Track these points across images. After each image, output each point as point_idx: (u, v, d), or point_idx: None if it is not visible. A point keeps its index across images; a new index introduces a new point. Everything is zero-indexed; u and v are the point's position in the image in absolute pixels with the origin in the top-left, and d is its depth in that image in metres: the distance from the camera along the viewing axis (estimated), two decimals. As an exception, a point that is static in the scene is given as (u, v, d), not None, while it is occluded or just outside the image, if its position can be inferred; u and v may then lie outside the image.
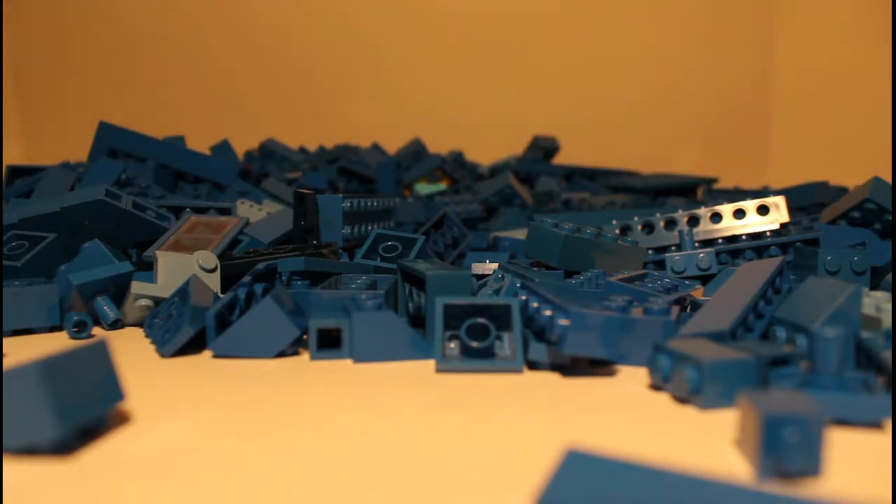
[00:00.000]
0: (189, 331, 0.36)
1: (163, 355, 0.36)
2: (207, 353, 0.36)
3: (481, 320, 0.34)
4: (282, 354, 0.36)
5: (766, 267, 0.38)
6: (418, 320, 0.37)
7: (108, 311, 0.40)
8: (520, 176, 0.82)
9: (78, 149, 0.76)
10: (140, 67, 0.94)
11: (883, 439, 0.26)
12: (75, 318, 0.38)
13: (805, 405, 0.24)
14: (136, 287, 0.40)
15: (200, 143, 0.76)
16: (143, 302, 0.40)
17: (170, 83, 0.94)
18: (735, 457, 0.25)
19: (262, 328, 0.35)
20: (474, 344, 0.34)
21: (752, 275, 0.37)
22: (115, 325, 0.40)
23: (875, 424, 0.27)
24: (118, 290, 0.41)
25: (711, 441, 0.26)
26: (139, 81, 0.94)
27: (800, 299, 0.35)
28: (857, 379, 0.28)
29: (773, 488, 0.19)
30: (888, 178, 0.77)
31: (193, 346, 0.36)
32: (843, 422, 0.27)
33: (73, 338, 0.39)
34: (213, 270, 0.41)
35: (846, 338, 0.28)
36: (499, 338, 0.35)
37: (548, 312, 0.33)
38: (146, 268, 0.44)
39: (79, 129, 0.94)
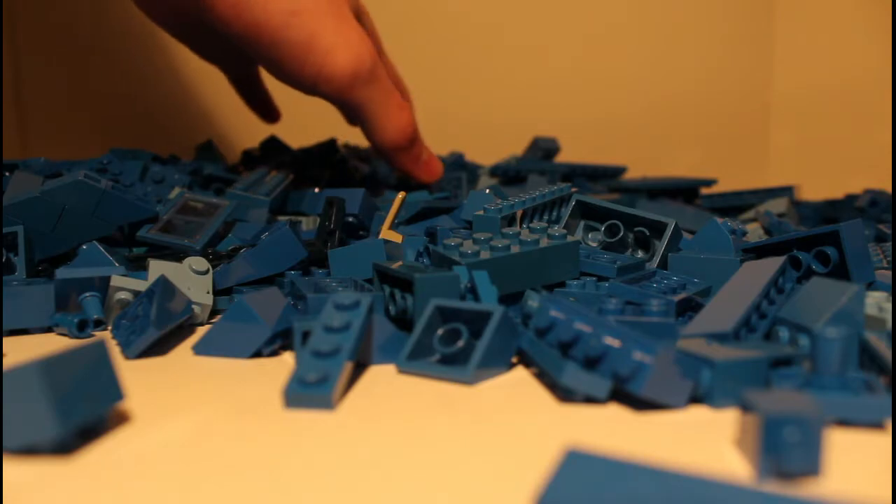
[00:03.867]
0: (154, 332, 0.35)
1: (127, 357, 0.35)
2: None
3: (457, 326, 0.33)
4: (258, 355, 0.36)
5: (768, 266, 0.37)
6: (402, 323, 0.37)
7: (92, 310, 0.39)
8: (521, 176, 0.82)
9: (78, 148, 0.76)
10: (139, 64, 0.94)
11: (883, 439, 0.26)
12: (76, 319, 0.38)
13: (805, 405, 0.24)
14: (116, 280, 0.40)
15: (197, 141, 0.76)
16: (122, 295, 0.40)
17: (170, 79, 0.94)
18: (735, 457, 0.25)
19: (236, 328, 0.35)
20: (443, 349, 0.33)
21: (755, 274, 0.37)
22: (98, 325, 0.39)
23: (877, 425, 0.27)
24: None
25: (711, 441, 0.26)
26: (138, 78, 0.94)
27: (803, 299, 0.34)
28: (859, 379, 0.28)
29: (773, 488, 0.19)
30: (888, 179, 0.77)
31: (183, 345, 0.36)
32: (844, 422, 0.27)
33: (73, 337, 0.38)
34: (205, 273, 0.41)
35: (848, 338, 0.28)
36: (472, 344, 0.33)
37: (611, 341, 0.29)
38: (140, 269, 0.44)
39: (78, 129, 0.94)
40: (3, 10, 0.86)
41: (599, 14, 1.05)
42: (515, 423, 0.28)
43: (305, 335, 0.33)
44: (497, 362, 0.33)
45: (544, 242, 0.40)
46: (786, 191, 0.76)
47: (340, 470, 0.24)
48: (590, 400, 0.30)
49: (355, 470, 0.24)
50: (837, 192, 0.80)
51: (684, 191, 0.79)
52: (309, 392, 0.29)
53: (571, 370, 0.29)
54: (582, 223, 0.48)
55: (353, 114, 0.57)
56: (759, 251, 0.44)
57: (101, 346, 0.26)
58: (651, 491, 0.19)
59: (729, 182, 0.82)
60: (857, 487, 0.23)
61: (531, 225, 0.41)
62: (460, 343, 0.33)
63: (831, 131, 1.05)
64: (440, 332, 0.34)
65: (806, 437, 0.23)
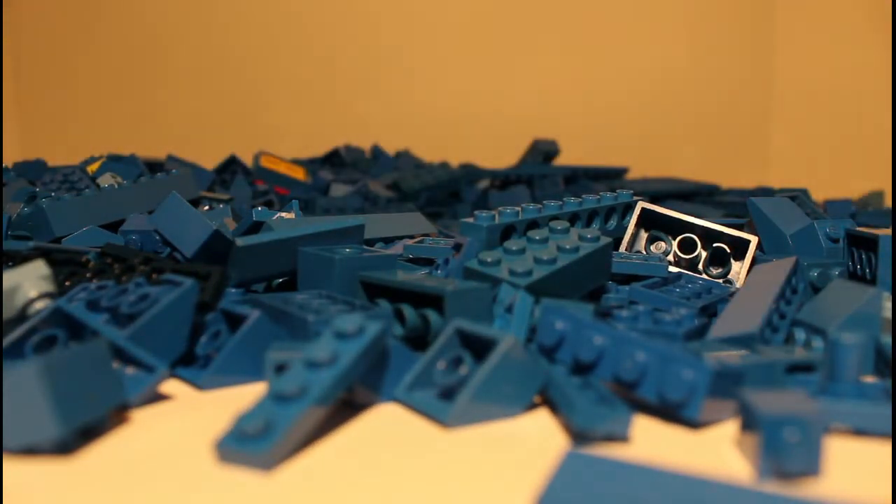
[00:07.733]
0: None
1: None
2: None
3: (459, 353, 0.29)
4: None
5: (781, 267, 0.37)
6: (413, 341, 0.32)
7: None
8: (521, 179, 0.82)
9: (77, 148, 0.76)
10: (140, 67, 0.94)
11: (882, 440, 0.26)
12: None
13: (805, 405, 0.24)
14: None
15: (198, 142, 0.76)
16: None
17: (170, 80, 0.94)
18: (735, 457, 0.25)
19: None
20: (441, 380, 0.28)
21: (769, 275, 0.37)
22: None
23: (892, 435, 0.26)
24: None
25: (711, 441, 0.26)
26: (138, 79, 0.95)
27: (822, 301, 0.34)
28: (877, 387, 0.27)
29: (773, 488, 0.19)
30: (889, 180, 0.77)
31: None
32: (861, 432, 0.26)
33: None
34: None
35: (864, 345, 0.27)
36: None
37: (642, 357, 0.25)
38: None
39: (78, 130, 0.94)
40: (3, 10, 0.86)
41: (599, 14, 1.05)
42: (515, 423, 0.28)
43: (280, 368, 0.28)
44: (500, 400, 0.27)
45: (584, 248, 0.35)
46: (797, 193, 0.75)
47: (338, 467, 0.24)
48: (610, 439, 0.26)
49: (354, 468, 0.24)
50: (837, 192, 0.80)
51: (686, 195, 0.78)
52: (242, 448, 0.23)
53: (585, 407, 0.25)
54: (641, 231, 0.44)
55: None
56: None
57: (101, 347, 0.26)
58: (651, 492, 0.19)
59: (729, 182, 0.82)
60: (857, 487, 0.23)
61: (552, 225, 0.36)
62: (462, 371, 0.28)
63: (831, 131, 1.05)
64: (442, 361, 0.29)
65: (805, 438, 0.23)
